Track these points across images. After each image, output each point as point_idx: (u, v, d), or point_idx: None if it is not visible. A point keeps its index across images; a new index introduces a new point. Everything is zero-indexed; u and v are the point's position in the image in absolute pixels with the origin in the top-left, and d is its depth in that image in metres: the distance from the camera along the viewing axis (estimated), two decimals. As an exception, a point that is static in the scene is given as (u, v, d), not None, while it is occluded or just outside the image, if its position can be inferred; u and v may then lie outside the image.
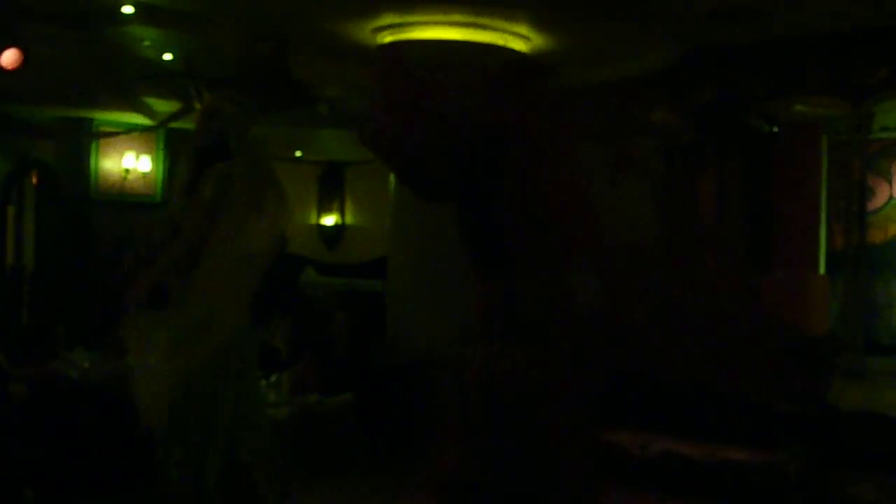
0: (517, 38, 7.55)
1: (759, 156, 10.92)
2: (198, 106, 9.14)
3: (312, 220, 14.00)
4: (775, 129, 10.31)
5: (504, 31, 7.44)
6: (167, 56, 9.10)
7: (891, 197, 11.03)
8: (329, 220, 14.05)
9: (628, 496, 5.60)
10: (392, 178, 8.10)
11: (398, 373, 7.18)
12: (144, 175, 11.69)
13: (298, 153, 13.32)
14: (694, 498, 5.51)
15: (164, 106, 10.70)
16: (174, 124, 10.75)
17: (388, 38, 7.56)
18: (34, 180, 12.06)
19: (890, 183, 11.02)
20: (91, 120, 11.51)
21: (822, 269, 10.85)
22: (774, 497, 5.16)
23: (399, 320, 7.89)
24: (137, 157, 11.68)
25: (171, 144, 11.72)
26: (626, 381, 5.71)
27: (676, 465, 5.45)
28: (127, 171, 11.65)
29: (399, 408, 7.00)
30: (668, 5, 7.16)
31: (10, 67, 6.64)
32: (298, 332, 7.29)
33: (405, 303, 7.90)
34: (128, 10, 7.64)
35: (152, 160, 11.78)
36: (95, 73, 9.46)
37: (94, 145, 11.58)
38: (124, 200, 11.59)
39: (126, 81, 10.04)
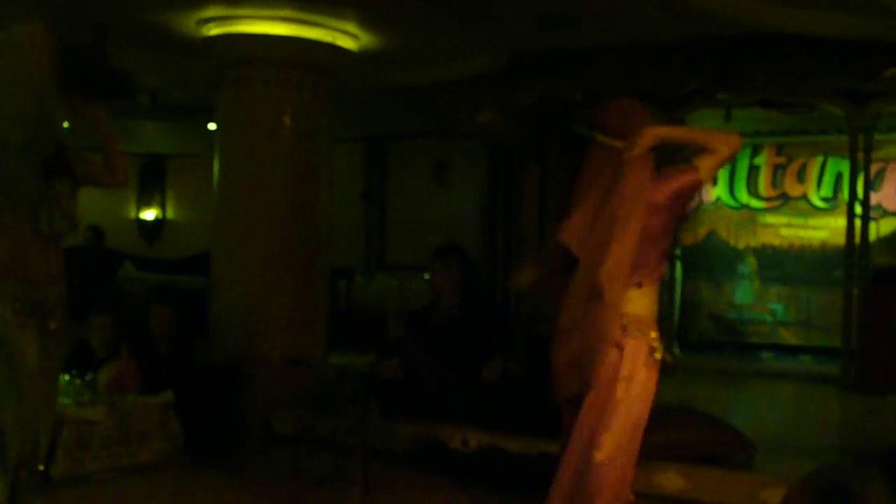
0: (346, 36, 7.56)
1: (579, 159, 11.28)
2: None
3: (132, 215, 13.62)
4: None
5: (332, 28, 7.44)
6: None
7: (701, 201, 11.61)
8: (149, 214, 13.69)
9: (449, 487, 5.72)
10: (217, 172, 7.96)
11: (220, 371, 7.07)
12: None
13: (118, 145, 12.92)
14: (513, 489, 5.66)
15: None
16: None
17: (213, 30, 7.43)
18: None
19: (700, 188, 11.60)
20: None
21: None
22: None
23: (221, 317, 7.77)
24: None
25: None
26: (446, 380, 5.83)
27: (496, 458, 5.58)
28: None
29: (220, 406, 6.91)
30: (492, 10, 7.31)
31: None
32: (116, 330, 7.07)
33: (228, 300, 7.78)
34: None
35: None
36: None
37: None
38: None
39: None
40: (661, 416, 6.42)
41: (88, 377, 6.33)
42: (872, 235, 9.81)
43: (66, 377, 6.29)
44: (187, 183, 13.38)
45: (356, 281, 12.06)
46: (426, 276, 8.17)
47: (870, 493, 1.67)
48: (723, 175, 11.60)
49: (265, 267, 7.53)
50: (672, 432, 6.04)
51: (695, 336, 11.50)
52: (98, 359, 6.72)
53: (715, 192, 11.67)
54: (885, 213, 10.63)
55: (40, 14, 7.69)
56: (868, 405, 8.24)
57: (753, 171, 11.61)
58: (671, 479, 5.69)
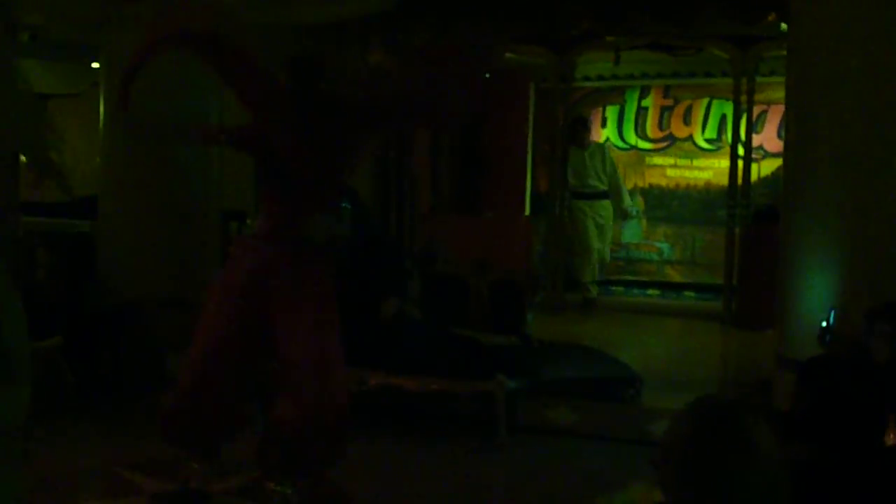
0: (234, -28, 7.41)
1: (471, 101, 11.32)
2: None
3: (12, 156, 13.13)
4: (487, 76, 10.69)
5: (220, -36, 7.26)
6: None
7: (590, 143, 11.77)
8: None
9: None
10: (102, 113, 7.75)
11: (109, 315, 6.96)
12: None
13: (-5, 84, 12.42)
14: (411, 426, 5.76)
15: None
16: None
17: (96, -35, 7.19)
18: None
19: (589, 129, 11.76)
20: None
21: (527, 211, 11.45)
22: (484, 423, 5.48)
23: (109, 262, 7.63)
24: None
25: None
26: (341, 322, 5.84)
27: (393, 398, 5.66)
28: None
29: (108, 351, 6.81)
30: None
31: None
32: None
33: (115, 244, 7.64)
34: None
35: None
36: None
37: None
38: None
39: None
40: (554, 353, 6.61)
41: (-28, 324, 6.16)
42: (754, 176, 10.12)
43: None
44: (70, 124, 12.95)
45: (248, 223, 11.91)
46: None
47: (758, 424, 1.76)
48: (611, 117, 11.78)
49: (150, 209, 7.41)
50: (564, 369, 6.21)
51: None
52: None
53: (604, 134, 11.84)
54: (767, 155, 10.94)
55: None
56: (747, 339, 8.56)
57: (641, 112, 11.80)
58: (562, 414, 5.85)
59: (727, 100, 10.53)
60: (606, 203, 10.49)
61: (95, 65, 9.48)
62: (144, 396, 6.57)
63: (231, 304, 4.40)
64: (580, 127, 10.66)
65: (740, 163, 9.80)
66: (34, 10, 9.43)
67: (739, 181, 9.79)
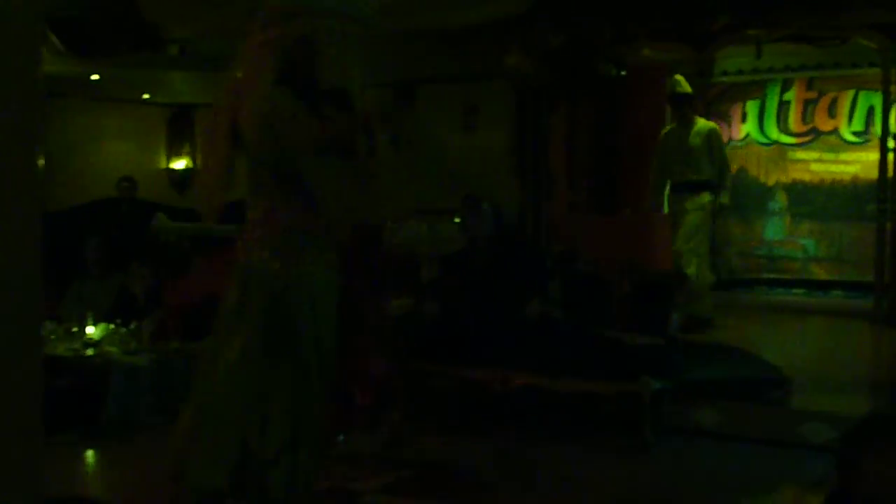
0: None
1: (607, 99, 11.25)
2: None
3: (162, 165, 13.69)
4: (623, 73, 10.62)
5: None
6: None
7: (730, 139, 11.54)
8: (179, 164, 13.75)
9: (492, 426, 5.83)
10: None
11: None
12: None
13: (146, 95, 12.97)
14: (555, 427, 5.77)
15: None
16: None
17: (242, -21, 7.42)
18: None
19: (729, 125, 11.54)
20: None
21: (665, 209, 11.30)
22: (630, 424, 5.44)
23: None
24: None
25: None
26: (485, 323, 5.90)
27: (537, 398, 5.68)
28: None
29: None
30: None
31: None
32: (156, 279, 7.20)
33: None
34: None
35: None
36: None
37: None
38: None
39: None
40: (699, 354, 6.52)
41: (133, 326, 6.47)
42: (905, 169, 9.75)
43: (111, 326, 6.44)
44: (216, 131, 13.40)
45: (387, 226, 12.08)
46: (456, 220, 8.22)
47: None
48: (752, 111, 11.53)
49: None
50: (709, 370, 6.12)
51: (726, 273, 11.50)
52: (140, 307, 6.85)
53: (744, 129, 11.60)
54: (918, 147, 10.54)
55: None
56: (901, 339, 8.27)
57: (783, 106, 11.52)
58: (708, 415, 5.77)
59: (875, 91, 10.18)
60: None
61: (240, 74, 9.77)
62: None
63: None
64: (681, 102, 9.24)
65: (891, 156, 9.45)
66: (183, 25, 9.82)
67: (890, 174, 9.45)
